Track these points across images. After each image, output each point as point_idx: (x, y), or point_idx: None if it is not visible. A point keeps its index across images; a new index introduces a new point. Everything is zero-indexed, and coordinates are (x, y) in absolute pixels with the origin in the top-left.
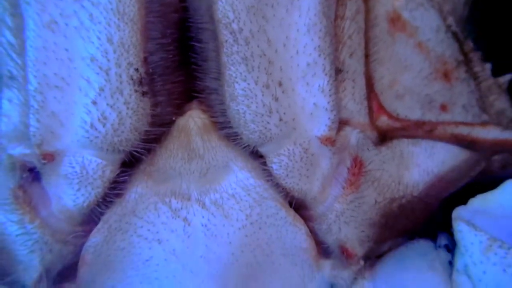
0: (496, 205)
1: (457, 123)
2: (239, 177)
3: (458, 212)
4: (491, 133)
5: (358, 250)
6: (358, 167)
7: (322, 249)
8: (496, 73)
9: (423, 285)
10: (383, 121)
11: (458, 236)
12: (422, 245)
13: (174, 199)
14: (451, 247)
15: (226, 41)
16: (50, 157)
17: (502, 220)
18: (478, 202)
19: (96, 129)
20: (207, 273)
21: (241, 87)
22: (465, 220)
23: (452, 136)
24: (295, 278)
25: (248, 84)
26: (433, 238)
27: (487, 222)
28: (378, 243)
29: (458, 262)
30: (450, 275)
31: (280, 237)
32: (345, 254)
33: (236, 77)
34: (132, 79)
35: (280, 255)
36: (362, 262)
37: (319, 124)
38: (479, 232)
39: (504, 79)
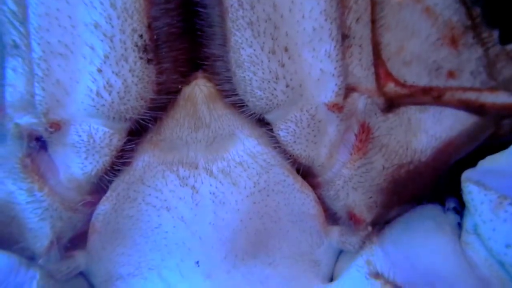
0: (505, 164)
1: (465, 89)
2: (246, 144)
3: (467, 174)
4: (500, 98)
5: (366, 215)
6: (365, 133)
7: (330, 216)
8: (504, 41)
9: (431, 246)
10: (391, 87)
11: (467, 197)
12: (431, 209)
13: (181, 167)
14: (460, 209)
15: (231, 5)
16: (56, 126)
17: None
18: (487, 162)
19: (102, 97)
20: (216, 240)
21: (247, 53)
22: (474, 181)
23: (460, 102)
24: (303, 244)
25: (254, 50)
26: (441, 204)
27: (497, 180)
28: (386, 209)
29: (468, 223)
30: (459, 236)
31: (288, 203)
32: (353, 220)
33: (241, 43)
34: (137, 46)
35: (288, 221)
36: (370, 228)
37: (326, 90)
38: (488, 191)
39: None
